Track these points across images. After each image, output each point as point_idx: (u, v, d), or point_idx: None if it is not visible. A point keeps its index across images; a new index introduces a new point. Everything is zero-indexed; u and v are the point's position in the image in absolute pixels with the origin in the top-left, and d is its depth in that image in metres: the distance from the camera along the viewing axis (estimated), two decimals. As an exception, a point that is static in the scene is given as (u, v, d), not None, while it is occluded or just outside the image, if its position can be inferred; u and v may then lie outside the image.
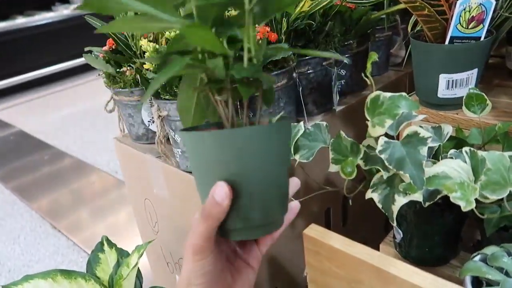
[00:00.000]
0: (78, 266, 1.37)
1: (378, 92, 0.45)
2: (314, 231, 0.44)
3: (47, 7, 3.54)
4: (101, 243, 0.80)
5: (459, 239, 0.56)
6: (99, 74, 0.81)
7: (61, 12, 3.47)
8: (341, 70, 0.87)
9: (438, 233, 0.53)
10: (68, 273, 0.69)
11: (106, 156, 2.09)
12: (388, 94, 0.44)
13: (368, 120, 0.46)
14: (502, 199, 0.41)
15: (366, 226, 1.01)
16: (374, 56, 0.44)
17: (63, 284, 0.67)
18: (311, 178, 0.78)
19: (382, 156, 0.43)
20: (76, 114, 2.76)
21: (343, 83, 0.89)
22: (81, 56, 0.78)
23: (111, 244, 0.80)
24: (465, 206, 0.38)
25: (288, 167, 0.33)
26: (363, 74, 0.46)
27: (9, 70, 3.26)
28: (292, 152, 0.55)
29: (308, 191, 0.80)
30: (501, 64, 0.75)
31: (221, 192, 0.29)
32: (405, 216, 0.52)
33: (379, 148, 0.44)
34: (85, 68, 3.43)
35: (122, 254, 0.78)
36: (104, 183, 1.90)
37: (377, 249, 0.63)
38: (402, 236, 0.56)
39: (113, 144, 0.87)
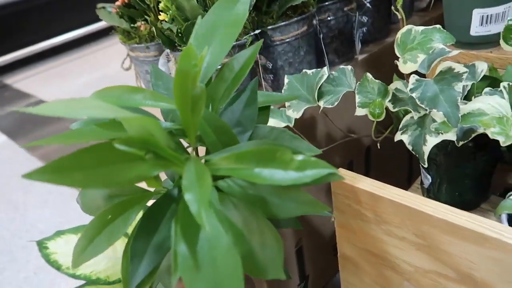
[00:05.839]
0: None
1: (409, 26, 0.42)
2: (342, 175, 0.42)
3: (57, -26, 3.47)
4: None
5: (490, 183, 0.54)
6: (113, 30, 0.79)
7: (71, -23, 3.41)
8: (363, 17, 0.83)
9: (469, 176, 0.51)
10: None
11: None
12: (421, 28, 0.41)
13: (397, 59, 0.43)
14: (542, 135, 0.39)
15: (389, 178, 1.00)
16: (404, -13, 0.41)
17: (93, 238, 0.69)
18: (335, 126, 0.77)
19: (414, 94, 0.41)
20: (93, 80, 2.76)
21: (365, 30, 0.85)
22: (95, 22, 0.76)
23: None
24: (504, 141, 0.36)
25: None
26: (393, 8, 0.43)
27: (24, 40, 3.27)
28: (316, 98, 0.53)
29: (330, 141, 0.79)
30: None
31: None
32: (435, 160, 0.51)
33: (410, 86, 0.42)
34: (99, 35, 3.40)
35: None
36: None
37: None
38: (431, 181, 0.54)
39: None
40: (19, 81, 3.14)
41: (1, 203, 1.69)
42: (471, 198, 0.54)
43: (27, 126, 2.38)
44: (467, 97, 0.53)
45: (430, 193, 0.56)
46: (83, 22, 3.26)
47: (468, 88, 0.52)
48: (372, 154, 0.94)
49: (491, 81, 0.53)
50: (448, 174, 0.51)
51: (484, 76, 0.52)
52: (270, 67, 0.71)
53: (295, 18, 0.66)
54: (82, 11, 3.22)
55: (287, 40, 0.68)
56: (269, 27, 0.67)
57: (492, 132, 0.37)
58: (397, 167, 1.04)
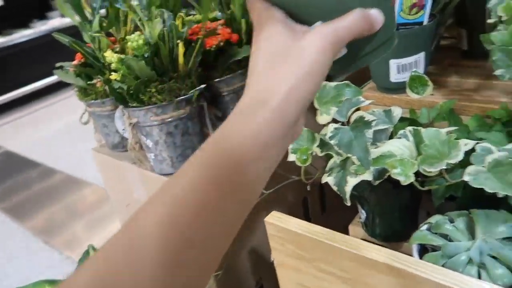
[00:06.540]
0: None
1: (324, 83, 0.48)
2: (274, 217, 0.47)
3: (25, 25, 3.53)
4: (87, 252, 0.82)
5: (418, 214, 0.59)
6: (73, 89, 0.83)
7: (39, 28, 3.47)
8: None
9: (396, 209, 0.56)
10: (54, 282, 0.71)
11: (93, 168, 2.10)
12: (333, 84, 0.47)
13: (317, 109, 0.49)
14: (444, 170, 0.44)
15: (345, 212, 1.05)
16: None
17: (51, 293, 0.70)
18: (283, 167, 0.81)
19: (332, 141, 0.46)
20: (59, 129, 2.76)
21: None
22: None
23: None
24: (404, 180, 0.41)
25: None
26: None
27: (-9, 91, 3.25)
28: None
29: (279, 181, 0.83)
30: (455, 45, 0.79)
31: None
32: (363, 196, 0.56)
33: (329, 134, 0.47)
34: (64, 84, 3.44)
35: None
36: (94, 195, 1.91)
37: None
38: (365, 215, 0.59)
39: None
40: (-14, 132, 3.10)
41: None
42: (402, 229, 0.58)
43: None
44: (391, 138, 0.59)
45: (367, 226, 0.61)
46: (48, 72, 3.29)
47: (391, 129, 0.58)
48: (327, 189, 0.99)
49: (411, 122, 0.59)
50: (377, 208, 0.56)
51: (404, 118, 0.58)
52: (220, 115, 0.77)
53: (239, 71, 0.73)
54: (48, 62, 3.26)
55: (234, 90, 0.74)
56: (216, 80, 0.73)
57: (394, 173, 0.42)
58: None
